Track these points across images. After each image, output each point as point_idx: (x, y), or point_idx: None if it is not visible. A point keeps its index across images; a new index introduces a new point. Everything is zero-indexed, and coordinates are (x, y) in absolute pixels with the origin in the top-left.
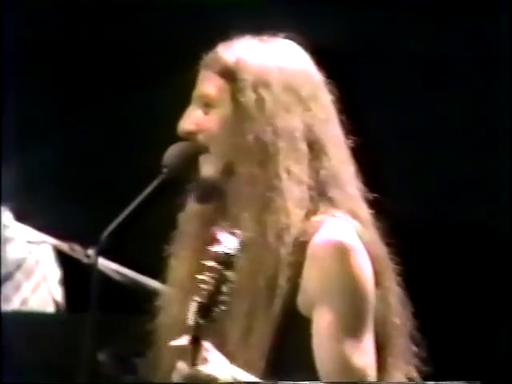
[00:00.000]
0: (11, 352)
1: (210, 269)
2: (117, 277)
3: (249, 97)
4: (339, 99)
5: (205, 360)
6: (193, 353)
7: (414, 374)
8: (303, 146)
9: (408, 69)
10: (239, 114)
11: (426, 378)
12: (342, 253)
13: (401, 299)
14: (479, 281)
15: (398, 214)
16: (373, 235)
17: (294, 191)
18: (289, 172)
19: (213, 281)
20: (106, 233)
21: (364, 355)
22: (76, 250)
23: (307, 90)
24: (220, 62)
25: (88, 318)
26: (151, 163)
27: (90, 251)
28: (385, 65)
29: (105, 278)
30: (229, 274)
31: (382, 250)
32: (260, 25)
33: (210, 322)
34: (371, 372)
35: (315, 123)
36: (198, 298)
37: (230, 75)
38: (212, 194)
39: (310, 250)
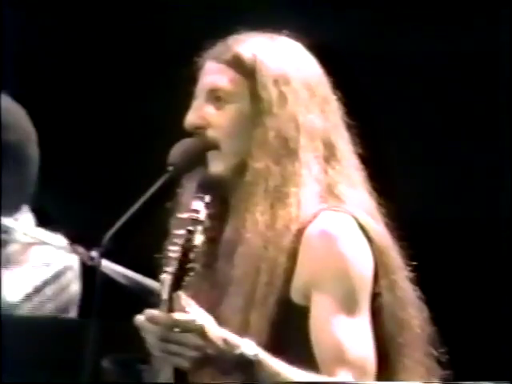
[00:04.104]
0: (11, 353)
1: (177, 236)
2: (123, 280)
3: (271, 92)
4: (344, 102)
5: (183, 309)
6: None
7: (433, 379)
8: (320, 146)
9: (408, 69)
10: (260, 110)
11: (445, 381)
12: (332, 239)
13: (414, 300)
14: (486, 278)
15: (402, 214)
16: (380, 228)
17: (310, 188)
18: (308, 169)
19: (180, 248)
20: (108, 234)
21: (359, 334)
22: (80, 252)
23: (321, 90)
24: (234, 56)
25: (91, 323)
26: (157, 161)
27: (95, 253)
28: (384, 65)
29: (110, 281)
30: (195, 239)
31: (389, 243)
32: (261, 24)
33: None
34: (368, 351)
35: (328, 125)
36: (169, 269)
37: (247, 70)
38: (217, 190)
39: (304, 238)
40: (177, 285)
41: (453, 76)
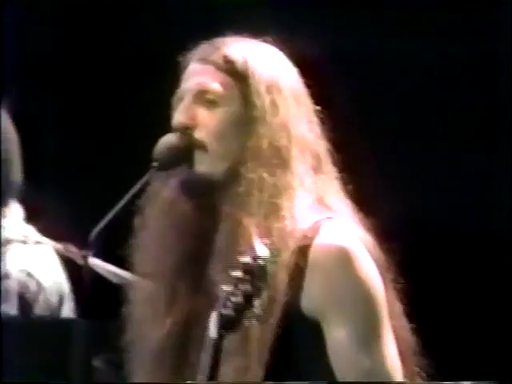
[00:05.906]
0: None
1: (238, 280)
2: (114, 279)
3: (264, 99)
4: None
5: None
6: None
7: None
8: (309, 156)
9: (408, 69)
10: (252, 117)
11: None
12: (345, 258)
13: (401, 311)
14: (480, 287)
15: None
16: (372, 241)
17: (302, 200)
18: (301, 180)
19: (241, 292)
20: (94, 232)
21: (387, 360)
22: (71, 252)
23: (304, 99)
24: (225, 58)
25: (79, 322)
26: (144, 157)
27: (85, 252)
28: (383, 65)
29: (101, 280)
30: (259, 285)
31: (381, 256)
32: (249, 28)
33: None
34: (398, 374)
35: (314, 136)
36: (222, 311)
37: (239, 74)
38: (203, 191)
39: (312, 255)
40: (228, 326)
41: (453, 76)
